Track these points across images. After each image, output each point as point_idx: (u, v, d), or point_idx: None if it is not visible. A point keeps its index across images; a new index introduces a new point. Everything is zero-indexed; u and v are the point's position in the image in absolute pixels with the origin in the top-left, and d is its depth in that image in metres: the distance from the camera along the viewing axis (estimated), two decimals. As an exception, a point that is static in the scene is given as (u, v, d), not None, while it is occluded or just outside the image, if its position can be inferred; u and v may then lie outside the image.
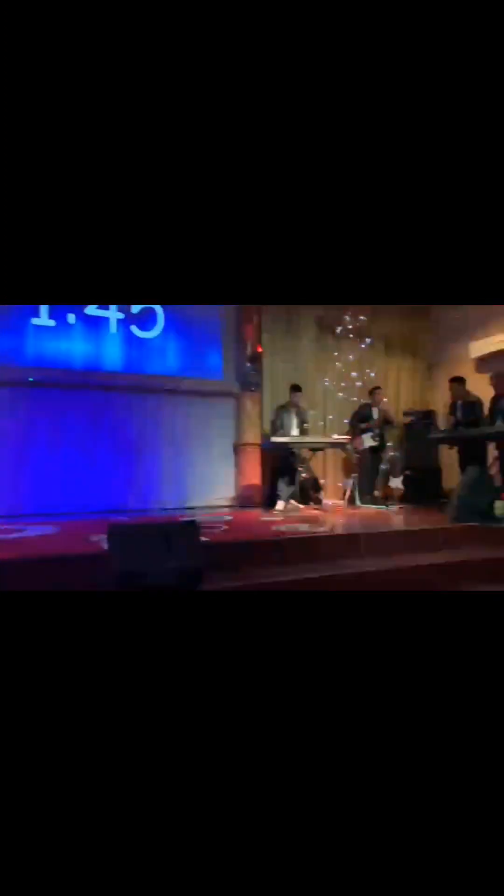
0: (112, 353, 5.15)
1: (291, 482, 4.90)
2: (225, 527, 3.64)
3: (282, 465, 5.00)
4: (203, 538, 2.64)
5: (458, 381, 5.02)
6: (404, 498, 5.79)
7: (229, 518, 4.24)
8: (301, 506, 4.86)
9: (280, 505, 4.78)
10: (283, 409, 5.23)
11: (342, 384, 6.33)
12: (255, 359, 5.72)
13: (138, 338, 5.27)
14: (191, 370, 5.56)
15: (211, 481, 5.53)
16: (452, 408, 5.00)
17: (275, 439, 4.77)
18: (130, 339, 5.24)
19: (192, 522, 2.27)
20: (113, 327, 5.14)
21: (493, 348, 5.57)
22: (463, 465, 4.67)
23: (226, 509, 5.20)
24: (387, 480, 6.10)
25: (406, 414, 6.32)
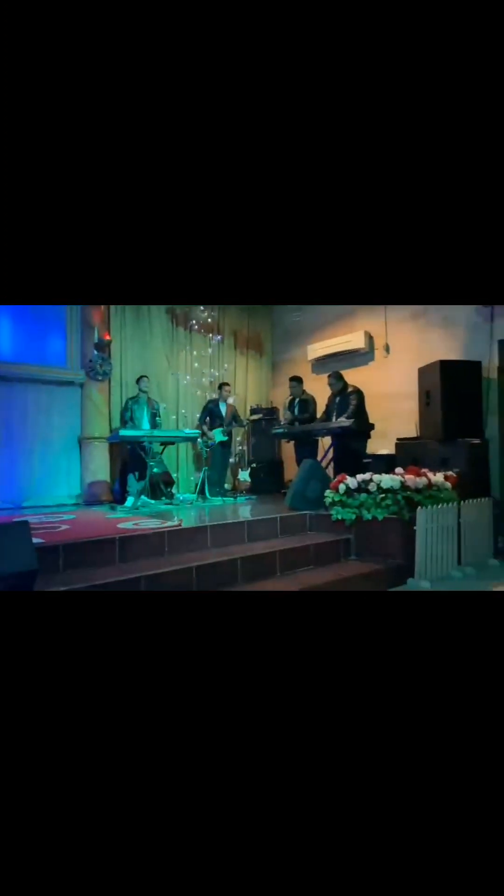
0: None
1: (142, 477, 4.80)
2: (65, 526, 3.42)
3: (132, 460, 4.87)
4: (38, 539, 2.45)
5: (296, 380, 5.47)
6: (251, 489, 6.14)
7: (72, 517, 4.00)
8: (152, 501, 4.80)
9: (130, 501, 4.66)
10: (133, 402, 5.10)
11: (194, 379, 6.42)
12: (103, 346, 5.44)
13: (-37, 316, 4.61)
14: (28, 355, 5.06)
15: (53, 478, 5.13)
16: (290, 405, 5.44)
17: (125, 433, 4.62)
18: (-48, 317, 4.55)
19: (24, 523, 2.10)
20: None
21: (326, 351, 6.18)
22: (299, 459, 5.10)
23: (70, 508, 4.90)
24: (236, 473, 6.40)
25: (253, 411, 6.69)
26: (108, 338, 5.51)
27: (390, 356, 5.55)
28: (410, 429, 4.96)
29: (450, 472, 3.76)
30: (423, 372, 4.60)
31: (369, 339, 5.76)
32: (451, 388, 4.22)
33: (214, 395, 5.87)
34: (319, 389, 5.40)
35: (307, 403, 5.31)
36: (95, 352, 5.37)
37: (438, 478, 3.60)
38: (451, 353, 4.79)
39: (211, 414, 5.52)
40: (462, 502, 3.59)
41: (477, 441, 4.21)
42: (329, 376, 4.87)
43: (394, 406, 5.23)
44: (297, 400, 5.39)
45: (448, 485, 3.62)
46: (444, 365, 4.28)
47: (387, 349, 5.57)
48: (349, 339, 5.87)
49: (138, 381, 5.15)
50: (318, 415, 5.07)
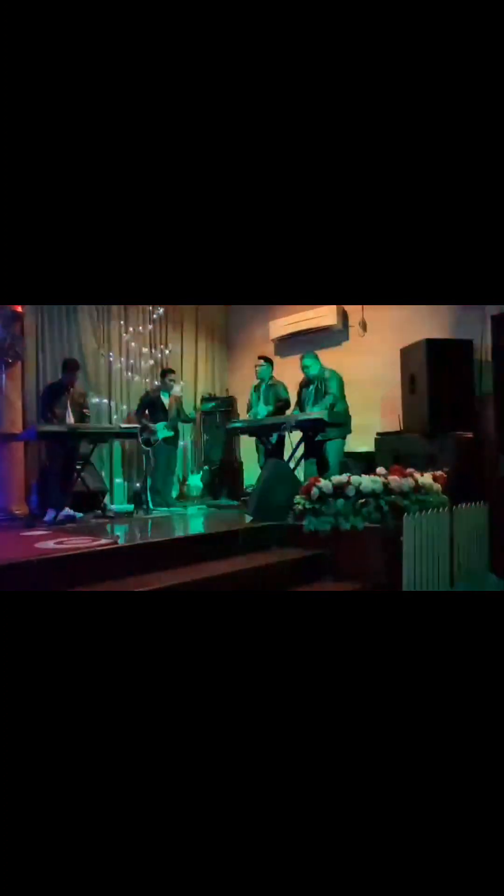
0: None
1: (67, 484, 4.66)
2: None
3: (54, 462, 4.72)
4: None
5: (265, 361, 5.45)
6: (204, 497, 6.11)
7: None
8: (79, 515, 4.67)
9: (51, 515, 4.51)
10: (57, 390, 4.91)
11: (131, 362, 6.31)
12: (13, 322, 5.25)
13: None
14: None
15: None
16: (257, 391, 5.42)
17: (44, 428, 4.46)
18: None
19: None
20: None
21: (292, 329, 6.21)
22: (262, 459, 5.11)
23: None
24: (184, 478, 6.35)
25: (205, 400, 6.63)
26: (19, 310, 5.31)
27: (367, 335, 5.65)
28: (392, 421, 5.06)
29: (438, 472, 3.83)
30: (406, 353, 4.71)
31: (343, 314, 5.85)
32: (439, 371, 4.32)
33: (157, 384, 5.80)
34: (285, 376, 5.44)
35: (278, 390, 5.30)
36: (2, 328, 5.18)
37: (426, 479, 3.66)
38: (439, 331, 4.92)
39: (152, 405, 5.43)
40: (455, 507, 3.68)
41: (469, 435, 4.33)
42: (303, 357, 4.89)
43: (372, 394, 5.32)
44: (264, 386, 5.38)
45: (437, 486, 3.69)
46: (431, 344, 4.37)
47: (363, 326, 5.67)
48: (319, 314, 5.93)
49: (66, 373, 4.91)
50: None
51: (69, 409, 4.87)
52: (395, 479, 3.50)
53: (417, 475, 3.64)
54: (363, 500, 3.40)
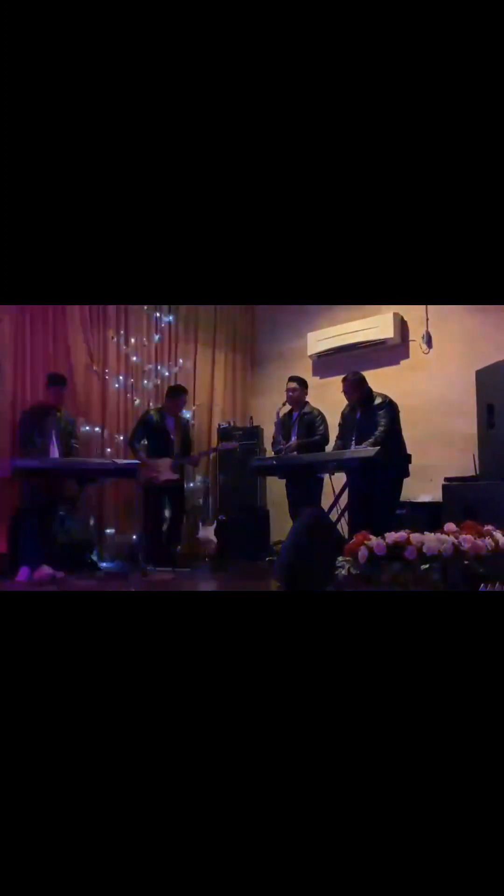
0: None
1: (47, 535, 4.72)
2: None
3: (31, 506, 4.81)
4: None
5: (297, 383, 5.48)
6: (219, 554, 6.09)
7: None
8: (59, 573, 4.71)
9: (25, 574, 4.56)
10: (38, 415, 5.01)
11: (131, 381, 6.42)
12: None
13: None
14: None
15: None
16: (286, 421, 5.44)
17: (21, 463, 4.55)
18: None
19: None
20: None
21: (337, 342, 6.23)
22: (294, 507, 5.13)
23: None
24: (194, 530, 6.36)
25: (223, 432, 6.65)
26: (-4, 315, 5.49)
27: (433, 351, 5.67)
28: (464, 463, 5.02)
29: (526, 531, 3.80)
30: (484, 375, 4.72)
31: (401, 324, 5.89)
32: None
33: (159, 405, 5.82)
34: (324, 402, 5.45)
35: (314, 420, 5.31)
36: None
37: (509, 539, 3.64)
38: (525, 348, 4.91)
39: (152, 432, 5.43)
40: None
41: None
42: (345, 380, 4.92)
43: (438, 428, 5.32)
44: (297, 414, 5.41)
45: (524, 550, 3.66)
46: (516, 366, 4.39)
47: (427, 340, 5.70)
48: (371, 323, 5.98)
49: (49, 388, 5.05)
50: (331, 439, 5.09)
51: (54, 440, 4.97)
52: (468, 539, 3.47)
53: (498, 535, 3.61)
54: (426, 566, 3.38)
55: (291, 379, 5.51)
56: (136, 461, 5.24)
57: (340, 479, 4.82)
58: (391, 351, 5.95)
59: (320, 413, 5.35)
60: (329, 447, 5.09)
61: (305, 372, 6.36)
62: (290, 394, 5.41)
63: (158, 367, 6.63)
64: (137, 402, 6.43)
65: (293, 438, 5.30)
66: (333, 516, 4.49)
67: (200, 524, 6.41)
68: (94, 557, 5.51)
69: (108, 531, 6.11)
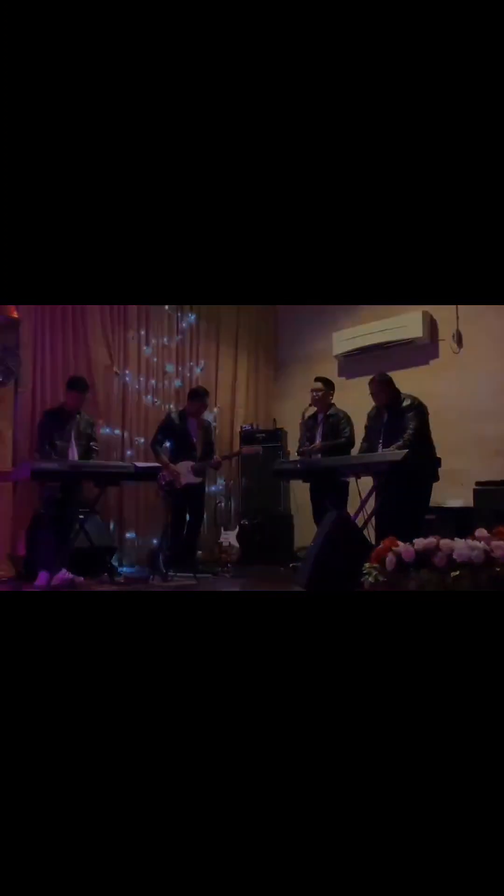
0: None
1: (66, 539, 4.71)
2: None
3: (49, 510, 4.80)
4: None
5: (323, 383, 5.41)
6: (241, 559, 6.06)
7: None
8: (79, 578, 4.70)
9: (43, 578, 4.55)
10: (58, 417, 5.00)
11: (152, 383, 6.43)
12: (7, 331, 5.43)
13: None
14: None
15: None
16: (311, 423, 5.38)
17: (40, 466, 4.53)
18: None
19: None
20: None
21: (363, 342, 6.20)
22: (319, 512, 5.06)
23: None
24: (216, 534, 6.33)
25: (245, 435, 6.63)
26: (15, 315, 5.49)
27: (464, 351, 5.63)
28: (496, 467, 4.99)
29: None
30: (517, 376, 4.64)
31: (431, 323, 5.85)
32: None
33: (181, 407, 5.81)
34: (350, 403, 5.39)
35: (339, 422, 5.26)
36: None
37: (545, 546, 3.57)
38: None
39: (174, 437, 5.42)
40: None
41: None
42: (372, 382, 4.84)
43: (469, 430, 5.29)
44: (322, 416, 5.35)
45: None
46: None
47: (458, 340, 5.65)
48: (400, 323, 5.94)
49: (70, 392, 5.00)
50: (357, 442, 5.04)
51: (73, 442, 4.96)
52: (500, 546, 3.40)
53: (533, 541, 3.55)
54: (456, 573, 3.30)
55: (317, 379, 5.47)
56: (157, 464, 5.20)
57: (366, 482, 4.77)
58: (420, 351, 5.92)
59: (346, 415, 5.29)
60: (355, 450, 5.04)
61: (331, 373, 6.28)
62: (315, 395, 5.36)
63: (179, 369, 6.65)
64: (157, 402, 6.44)
65: (318, 440, 5.25)
66: (359, 521, 4.44)
67: (223, 529, 6.38)
68: (115, 562, 5.49)
69: (128, 535, 6.11)
